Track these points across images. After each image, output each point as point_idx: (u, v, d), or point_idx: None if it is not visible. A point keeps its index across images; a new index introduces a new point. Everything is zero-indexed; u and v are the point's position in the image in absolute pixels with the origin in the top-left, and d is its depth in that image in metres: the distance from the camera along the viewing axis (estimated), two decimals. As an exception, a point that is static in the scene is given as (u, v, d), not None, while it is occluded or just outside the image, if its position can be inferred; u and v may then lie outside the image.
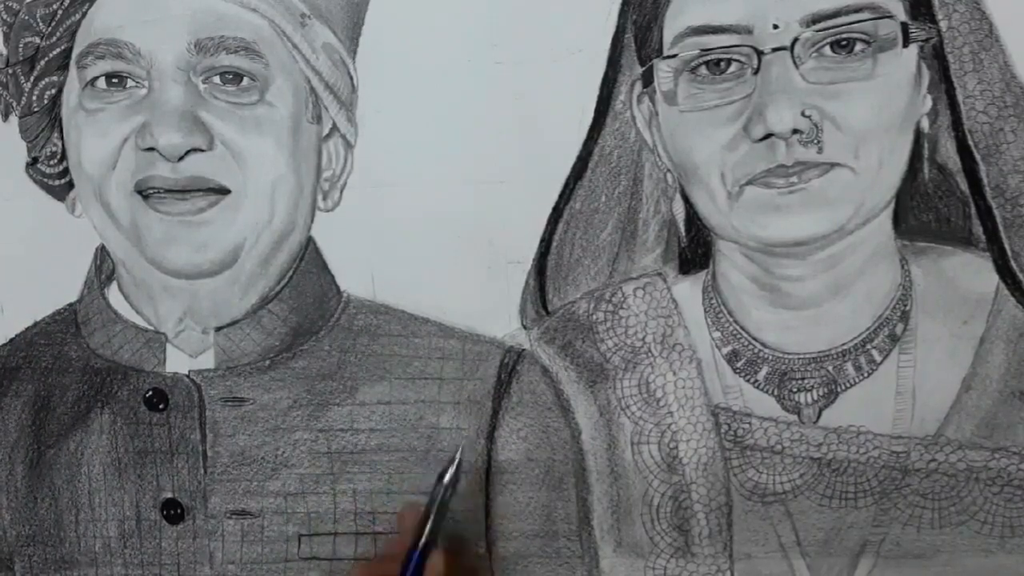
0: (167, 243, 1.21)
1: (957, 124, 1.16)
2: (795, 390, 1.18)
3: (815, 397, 1.18)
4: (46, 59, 1.23)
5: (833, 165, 1.13)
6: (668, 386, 1.20)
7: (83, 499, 1.25)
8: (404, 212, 1.23)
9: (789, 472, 1.18)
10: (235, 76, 1.19)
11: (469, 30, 1.20)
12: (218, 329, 1.24)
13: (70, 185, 1.26)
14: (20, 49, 1.24)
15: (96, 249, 1.27)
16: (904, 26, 1.13)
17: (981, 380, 1.16)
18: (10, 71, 1.25)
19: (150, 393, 1.24)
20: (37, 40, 1.23)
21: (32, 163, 1.27)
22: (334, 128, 1.23)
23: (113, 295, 1.27)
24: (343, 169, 1.24)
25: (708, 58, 1.14)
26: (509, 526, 1.21)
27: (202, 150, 1.19)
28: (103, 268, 1.27)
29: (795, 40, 1.12)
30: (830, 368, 1.18)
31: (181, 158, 1.19)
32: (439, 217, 1.22)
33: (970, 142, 1.15)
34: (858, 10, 1.12)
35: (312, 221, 1.24)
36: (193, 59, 1.19)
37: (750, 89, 1.13)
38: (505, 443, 1.21)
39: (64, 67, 1.23)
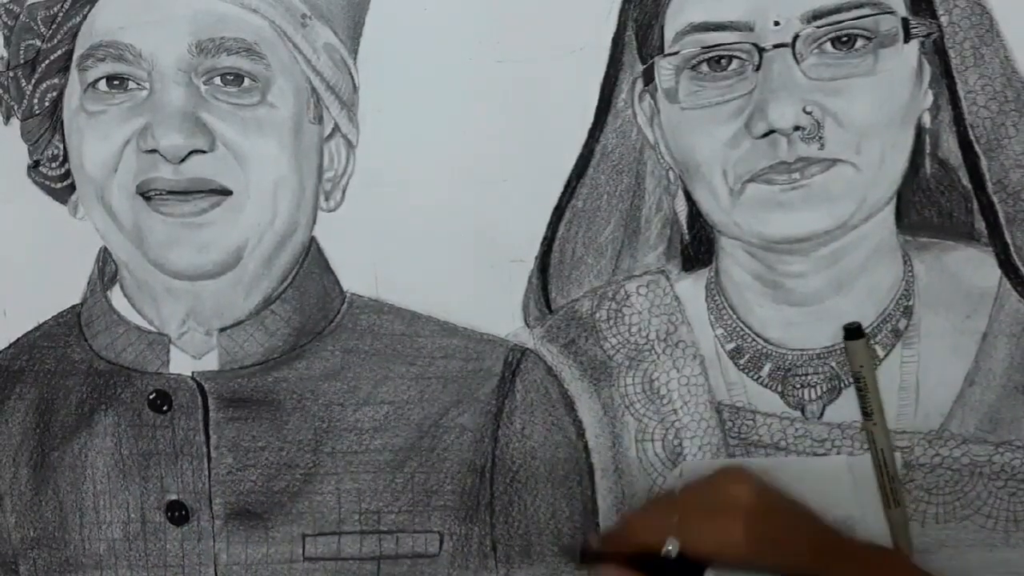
0: (169, 245, 1.21)
1: (959, 119, 1.16)
2: (799, 386, 1.18)
3: (819, 393, 1.18)
4: (47, 62, 1.23)
5: (835, 161, 1.13)
6: (672, 383, 1.20)
7: (87, 501, 1.25)
8: (406, 211, 1.22)
9: (793, 468, 1.18)
10: (236, 77, 1.19)
11: (471, 29, 1.20)
12: (221, 330, 1.24)
13: (72, 187, 1.25)
14: (21, 52, 1.24)
15: (99, 251, 1.27)
16: (905, 22, 1.13)
17: (984, 375, 1.16)
18: (11, 74, 1.25)
19: (153, 395, 1.24)
20: (38, 43, 1.23)
21: (34, 166, 1.27)
22: (336, 128, 1.23)
23: (116, 297, 1.27)
24: (345, 169, 1.24)
25: (709, 55, 1.14)
26: (514, 524, 1.21)
27: (204, 151, 1.19)
28: (106, 270, 1.27)
29: (796, 36, 1.12)
30: (833, 364, 1.18)
31: (183, 160, 1.19)
32: (441, 216, 1.22)
33: (971, 137, 1.16)
34: (859, 6, 1.12)
35: (314, 221, 1.24)
36: (194, 60, 1.19)
37: (751, 86, 1.13)
38: (509, 441, 1.21)
39: (65, 69, 1.23)
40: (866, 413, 1.14)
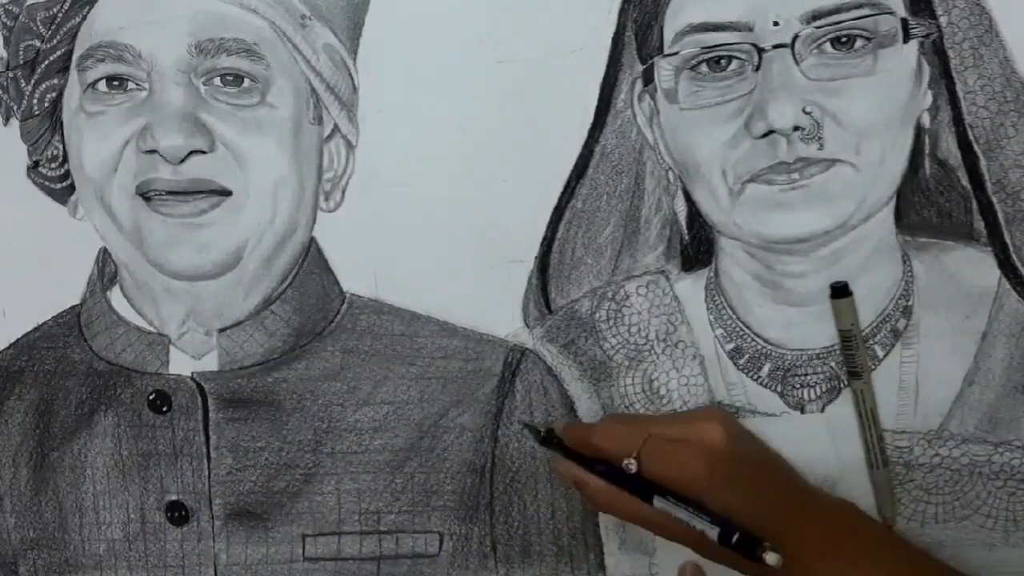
0: (169, 245, 1.21)
1: (958, 119, 1.16)
2: (798, 386, 1.18)
3: (818, 393, 1.18)
4: (46, 62, 1.23)
5: (834, 161, 1.13)
6: (672, 383, 1.20)
7: (87, 502, 1.25)
8: (406, 212, 1.23)
9: (793, 468, 1.18)
10: (236, 78, 1.19)
11: (470, 29, 1.20)
12: (221, 331, 1.24)
13: (72, 188, 1.26)
14: (20, 52, 1.24)
15: (98, 252, 1.27)
16: (904, 22, 1.13)
17: (984, 375, 1.16)
18: (10, 75, 1.25)
19: (153, 395, 1.24)
20: (37, 43, 1.23)
21: (33, 167, 1.27)
22: (335, 129, 1.23)
23: (116, 298, 1.27)
24: (345, 170, 1.24)
25: (709, 55, 1.14)
26: (514, 524, 1.21)
27: (203, 152, 1.19)
28: (105, 271, 1.27)
29: (795, 37, 1.12)
30: (833, 364, 1.18)
31: (183, 160, 1.19)
32: (441, 216, 1.22)
33: (971, 137, 1.16)
34: (858, 6, 1.12)
35: (314, 222, 1.24)
36: (194, 61, 1.19)
37: (751, 86, 1.13)
38: (509, 441, 1.21)
39: (65, 70, 1.23)
40: (853, 373, 1.14)
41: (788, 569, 1.00)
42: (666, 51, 1.16)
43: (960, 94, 1.15)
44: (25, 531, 1.26)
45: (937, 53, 1.16)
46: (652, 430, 1.09)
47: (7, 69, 1.25)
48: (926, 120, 1.16)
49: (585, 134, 1.21)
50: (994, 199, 1.15)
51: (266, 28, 1.20)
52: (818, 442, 1.16)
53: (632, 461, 1.07)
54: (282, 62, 1.20)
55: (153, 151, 1.19)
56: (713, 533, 1.02)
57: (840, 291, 1.14)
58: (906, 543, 1.10)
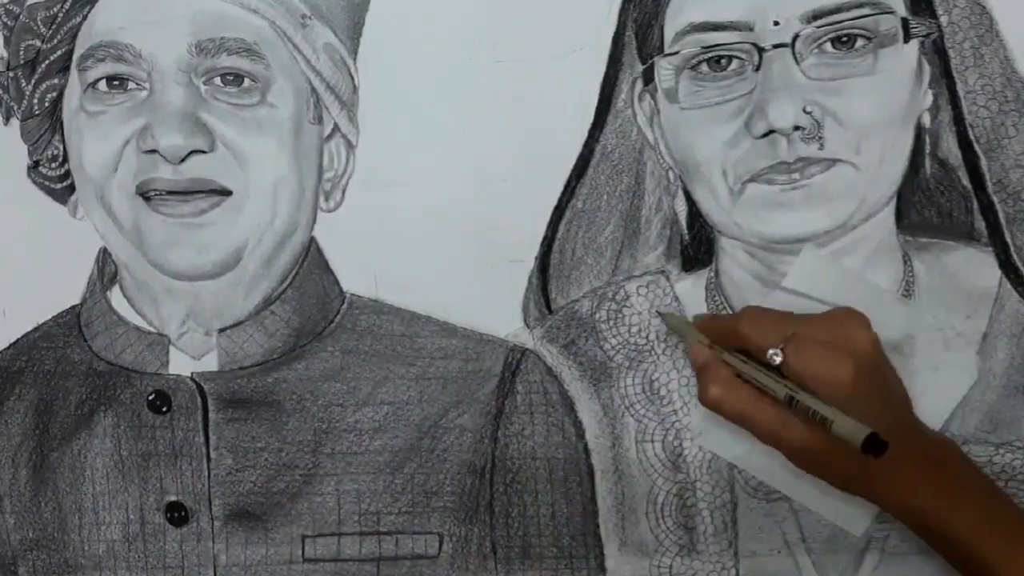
0: (169, 245, 1.21)
1: (958, 119, 1.16)
2: (798, 386, 1.18)
3: (818, 393, 1.18)
4: (47, 62, 1.23)
5: (835, 161, 1.13)
6: (672, 384, 1.20)
7: (87, 502, 1.25)
8: (406, 211, 1.23)
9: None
10: (236, 77, 1.19)
11: (470, 29, 1.20)
12: (221, 331, 1.24)
13: (72, 188, 1.26)
14: (21, 52, 1.24)
15: (98, 252, 1.27)
16: (905, 22, 1.13)
17: (984, 376, 1.16)
18: (11, 74, 1.25)
19: (153, 395, 1.24)
20: (38, 43, 1.23)
21: (34, 166, 1.27)
22: (335, 128, 1.24)
23: (116, 298, 1.27)
24: (345, 169, 1.24)
25: (709, 55, 1.14)
26: (513, 525, 1.21)
27: (204, 152, 1.19)
28: (105, 271, 1.27)
29: (796, 36, 1.12)
30: (833, 365, 1.18)
31: (183, 160, 1.19)
32: (441, 216, 1.22)
33: (971, 137, 1.16)
34: (859, 6, 1.12)
35: (314, 221, 1.24)
36: (194, 60, 1.19)
37: (751, 86, 1.13)
38: (509, 442, 1.21)
39: (65, 70, 1.23)
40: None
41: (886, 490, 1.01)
42: (666, 51, 1.16)
43: (961, 94, 1.15)
44: (25, 532, 1.26)
45: (938, 53, 1.16)
46: (798, 328, 1.04)
47: (7, 69, 1.25)
48: (926, 120, 1.16)
49: (585, 134, 1.21)
50: (995, 199, 1.15)
51: (266, 28, 1.20)
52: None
53: (778, 352, 1.02)
54: (282, 62, 1.20)
55: (153, 151, 1.19)
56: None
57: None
58: (1007, 498, 1.07)
